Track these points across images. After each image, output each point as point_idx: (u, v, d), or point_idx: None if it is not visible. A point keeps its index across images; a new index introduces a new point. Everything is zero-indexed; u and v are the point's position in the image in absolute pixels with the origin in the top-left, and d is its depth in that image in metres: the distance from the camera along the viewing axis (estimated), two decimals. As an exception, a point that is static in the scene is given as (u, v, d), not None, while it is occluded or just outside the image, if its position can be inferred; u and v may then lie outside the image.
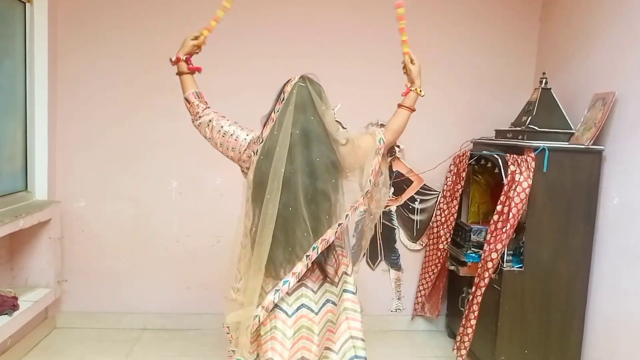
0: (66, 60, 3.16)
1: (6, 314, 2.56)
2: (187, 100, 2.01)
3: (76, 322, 3.29)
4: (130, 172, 3.26)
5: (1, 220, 2.47)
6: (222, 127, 1.92)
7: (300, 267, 1.80)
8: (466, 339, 2.75)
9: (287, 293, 1.84)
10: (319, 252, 1.80)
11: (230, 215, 3.26)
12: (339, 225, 1.84)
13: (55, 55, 3.10)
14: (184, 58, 2.04)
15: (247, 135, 1.92)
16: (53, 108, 3.11)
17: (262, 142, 1.84)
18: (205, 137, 1.97)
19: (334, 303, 1.91)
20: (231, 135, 1.91)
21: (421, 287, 3.38)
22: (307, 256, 1.80)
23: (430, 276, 3.30)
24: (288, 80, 1.90)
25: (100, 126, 3.23)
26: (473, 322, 2.68)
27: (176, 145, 3.26)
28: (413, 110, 2.04)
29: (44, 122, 3.05)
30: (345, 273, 1.93)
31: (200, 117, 1.96)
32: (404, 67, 2.07)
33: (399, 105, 2.04)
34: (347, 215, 1.85)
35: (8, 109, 2.89)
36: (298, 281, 1.84)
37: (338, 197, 1.87)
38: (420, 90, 2.06)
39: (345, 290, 1.91)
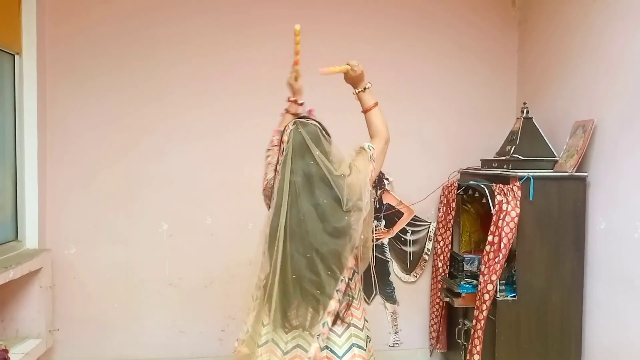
0: (55, 107, 3.19)
1: (-4, 367, 2.52)
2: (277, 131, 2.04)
3: (69, 372, 3.23)
4: (121, 215, 3.26)
5: (-10, 272, 2.46)
6: (268, 163, 2.02)
7: (333, 304, 1.78)
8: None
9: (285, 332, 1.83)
10: (346, 282, 1.81)
11: (221, 255, 3.30)
12: (356, 247, 1.84)
13: (44, 102, 3.14)
14: (294, 99, 2.14)
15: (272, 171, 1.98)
16: (42, 155, 3.13)
17: (273, 198, 1.86)
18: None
19: (330, 349, 1.83)
20: (265, 172, 2.03)
21: (432, 322, 3.34)
22: (338, 290, 1.78)
23: (438, 310, 3.27)
24: (284, 129, 1.91)
25: (89, 170, 3.24)
26: (477, 357, 2.65)
27: (166, 187, 3.28)
28: (377, 104, 2.04)
29: (33, 170, 3.06)
30: (354, 325, 1.86)
31: (268, 149, 2.05)
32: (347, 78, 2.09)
33: (366, 111, 2.05)
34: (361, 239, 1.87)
35: (-3, 159, 2.90)
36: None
37: (357, 230, 1.85)
38: (367, 85, 2.07)
39: (354, 345, 1.84)
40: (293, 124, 1.89)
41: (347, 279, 1.81)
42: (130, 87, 3.24)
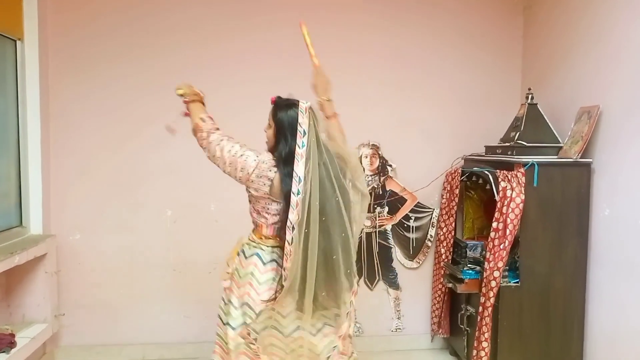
0: (58, 94, 3.18)
1: (4, 352, 2.54)
2: (201, 119, 2.10)
3: (75, 356, 3.26)
4: (125, 202, 3.27)
5: (-4, 258, 2.47)
6: (232, 146, 2.00)
7: (355, 284, 1.97)
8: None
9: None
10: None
11: (225, 242, 3.29)
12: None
13: (46, 90, 3.13)
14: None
15: (257, 156, 1.99)
16: (46, 142, 3.13)
17: (300, 181, 1.86)
18: (213, 156, 2.03)
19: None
20: (241, 155, 1.99)
21: (434, 308, 3.36)
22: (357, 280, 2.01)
23: (440, 295, 3.29)
24: (294, 108, 1.96)
25: (93, 158, 3.24)
26: (485, 344, 2.66)
27: (169, 174, 3.28)
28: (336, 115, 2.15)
29: (37, 157, 3.06)
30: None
31: (210, 134, 2.03)
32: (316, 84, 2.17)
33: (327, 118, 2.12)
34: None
35: (1, 146, 2.90)
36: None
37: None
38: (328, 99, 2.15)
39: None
40: (309, 107, 1.95)
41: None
42: (133, 75, 3.23)
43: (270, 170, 1.97)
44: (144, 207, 3.29)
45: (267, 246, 2.05)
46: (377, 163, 3.41)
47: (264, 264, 2.03)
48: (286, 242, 1.88)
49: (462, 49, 3.43)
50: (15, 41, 2.96)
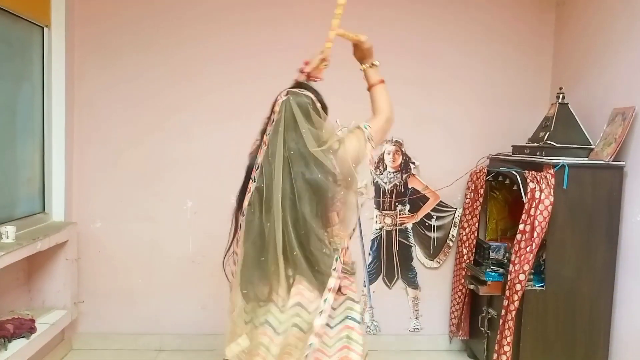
0: (83, 83, 3.20)
1: (24, 336, 2.55)
2: None
3: (92, 344, 3.28)
4: (146, 192, 3.28)
5: (19, 243, 2.48)
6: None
7: (332, 281, 1.73)
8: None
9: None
10: (342, 261, 1.75)
11: (245, 235, 3.30)
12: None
13: (72, 78, 3.15)
14: (307, 71, 2.05)
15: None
16: (70, 130, 3.15)
17: (258, 168, 1.79)
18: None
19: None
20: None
21: (454, 309, 3.31)
22: (334, 269, 1.73)
23: (460, 297, 3.23)
24: (277, 98, 1.86)
25: (116, 147, 3.25)
26: (507, 348, 2.59)
27: (191, 165, 3.27)
28: (382, 81, 2.01)
29: (61, 145, 3.08)
30: (351, 299, 1.82)
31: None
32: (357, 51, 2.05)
33: (370, 87, 2.00)
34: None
35: (26, 132, 2.92)
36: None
37: (344, 210, 1.83)
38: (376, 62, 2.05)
39: (349, 317, 1.79)
40: (285, 94, 1.84)
41: (342, 259, 1.76)
42: (158, 66, 3.22)
43: None
44: (165, 198, 3.29)
45: None
46: (399, 160, 3.36)
47: None
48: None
49: (489, 46, 3.36)
50: (42, 28, 2.97)
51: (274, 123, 1.80)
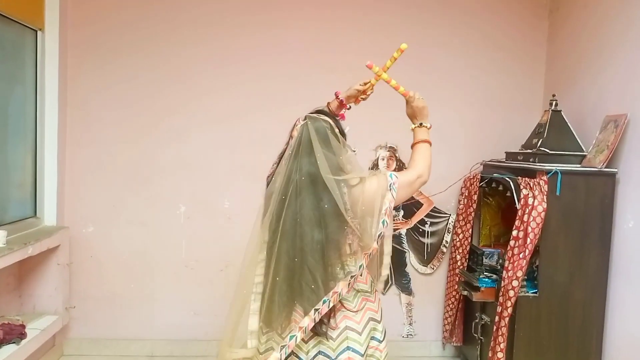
0: (76, 86, 3.18)
1: (14, 342, 2.53)
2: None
3: (83, 349, 3.25)
4: (139, 196, 3.26)
5: (10, 247, 2.46)
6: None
7: (307, 321, 1.65)
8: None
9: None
10: (329, 306, 1.67)
11: (238, 240, 3.25)
12: (352, 277, 1.70)
13: (65, 81, 3.13)
14: (341, 99, 2.01)
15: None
16: (62, 133, 3.13)
17: (275, 192, 1.75)
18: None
19: (326, 355, 1.74)
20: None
21: (447, 315, 3.31)
22: (317, 310, 1.65)
23: (453, 303, 3.23)
24: (295, 123, 1.83)
25: (109, 150, 3.24)
26: (500, 355, 2.59)
27: (184, 170, 3.26)
28: (427, 141, 2.01)
29: (53, 148, 3.06)
30: (352, 329, 1.74)
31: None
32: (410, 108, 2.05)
33: (413, 145, 2.02)
34: (360, 266, 1.72)
35: (18, 136, 2.90)
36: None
37: (348, 245, 1.76)
38: (427, 124, 2.06)
39: (349, 348, 1.72)
40: (304, 119, 1.81)
41: (330, 303, 1.66)
42: (151, 69, 3.22)
43: None
44: (158, 202, 3.27)
45: None
46: (393, 165, 3.36)
47: None
48: None
49: (483, 52, 3.37)
50: (36, 31, 2.95)
51: (291, 147, 1.77)
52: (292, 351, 1.70)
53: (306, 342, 1.73)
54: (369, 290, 1.82)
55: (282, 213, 1.69)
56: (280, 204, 1.71)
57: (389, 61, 2.04)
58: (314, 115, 1.84)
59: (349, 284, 1.70)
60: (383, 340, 1.84)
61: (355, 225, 1.73)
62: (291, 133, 1.83)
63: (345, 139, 1.88)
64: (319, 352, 1.73)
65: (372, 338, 1.81)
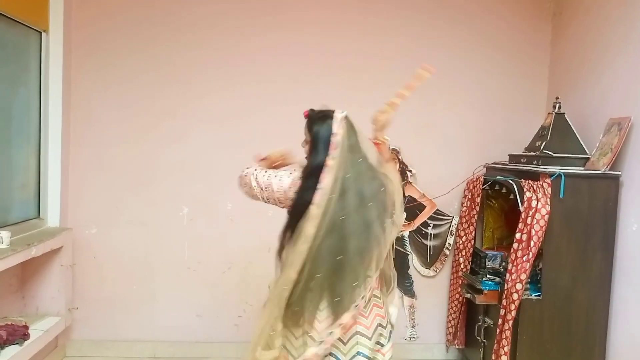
0: (79, 87, 3.19)
1: (17, 343, 2.53)
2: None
3: (86, 351, 3.25)
4: (142, 198, 3.26)
5: (14, 249, 2.46)
6: (265, 172, 1.91)
7: (347, 317, 1.73)
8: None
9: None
10: (365, 302, 1.78)
11: (241, 242, 3.29)
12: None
13: (68, 82, 3.14)
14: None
15: (291, 174, 1.88)
16: (66, 135, 3.14)
17: (325, 194, 1.75)
18: (251, 187, 1.90)
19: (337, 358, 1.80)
20: (275, 176, 1.88)
21: (450, 318, 3.30)
22: (356, 306, 1.75)
23: (456, 305, 3.22)
24: (329, 119, 1.84)
25: (112, 152, 3.24)
26: (504, 358, 2.59)
27: (187, 171, 3.27)
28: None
29: (57, 149, 3.07)
30: (362, 334, 1.80)
31: (247, 168, 1.96)
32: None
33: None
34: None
35: (22, 137, 2.91)
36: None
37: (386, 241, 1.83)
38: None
39: (359, 354, 1.78)
40: (343, 116, 1.84)
41: (365, 298, 1.77)
42: (154, 70, 3.23)
43: None
44: (160, 204, 3.27)
45: None
46: (396, 168, 3.36)
47: None
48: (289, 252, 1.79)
49: (487, 55, 3.37)
50: (40, 33, 2.96)
51: (338, 146, 1.78)
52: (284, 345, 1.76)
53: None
54: (379, 296, 1.88)
55: (331, 210, 1.73)
56: (329, 202, 1.75)
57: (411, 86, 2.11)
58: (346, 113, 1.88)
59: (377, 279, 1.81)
60: (387, 344, 1.86)
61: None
62: (332, 131, 1.81)
63: None
64: (330, 354, 1.77)
65: (377, 342, 1.84)
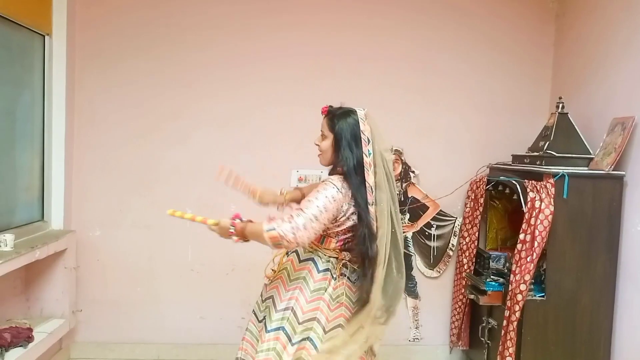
0: (83, 90, 3.20)
1: (21, 346, 2.54)
2: (271, 229, 1.85)
3: (90, 353, 3.26)
4: (145, 200, 3.27)
5: (17, 251, 2.47)
6: (316, 207, 1.80)
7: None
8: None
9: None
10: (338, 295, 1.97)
11: (244, 244, 3.27)
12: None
13: (72, 85, 3.15)
14: None
15: (334, 185, 1.86)
16: (70, 137, 3.15)
17: (373, 190, 1.83)
18: (316, 232, 1.83)
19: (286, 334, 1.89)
20: (327, 200, 1.82)
21: (454, 319, 3.29)
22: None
23: (460, 306, 3.22)
24: (352, 115, 1.89)
25: (115, 154, 3.25)
26: (510, 359, 2.58)
27: (190, 173, 3.27)
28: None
29: (60, 152, 3.07)
30: (318, 321, 1.86)
31: (296, 226, 1.79)
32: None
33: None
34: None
35: (26, 139, 2.92)
36: None
37: None
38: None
39: (309, 339, 1.84)
40: (364, 113, 1.91)
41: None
42: (157, 72, 3.23)
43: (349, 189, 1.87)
44: (163, 205, 3.22)
45: (325, 255, 1.96)
46: (399, 169, 3.36)
47: (318, 271, 1.94)
48: (364, 257, 1.85)
49: (490, 56, 3.37)
50: (43, 36, 2.98)
51: (371, 142, 1.86)
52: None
53: (263, 301, 1.98)
54: (353, 300, 1.95)
55: (393, 203, 1.92)
56: (390, 197, 1.90)
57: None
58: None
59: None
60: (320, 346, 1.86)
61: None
62: (360, 129, 1.86)
63: None
64: (281, 327, 1.85)
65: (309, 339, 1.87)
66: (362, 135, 1.84)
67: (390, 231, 1.87)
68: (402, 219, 3.34)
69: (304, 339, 1.86)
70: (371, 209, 1.83)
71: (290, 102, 3.24)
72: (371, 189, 1.82)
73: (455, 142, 3.38)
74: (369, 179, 1.81)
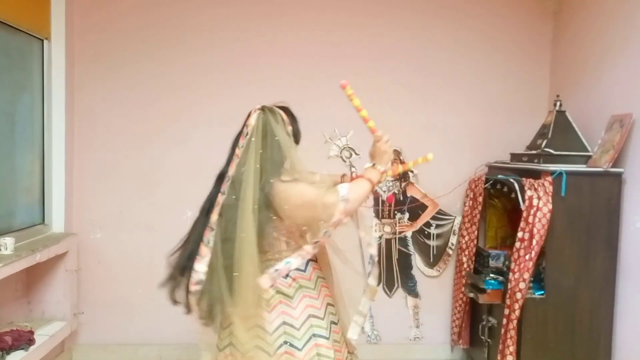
0: (83, 93, 3.22)
1: (22, 348, 2.55)
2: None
3: (92, 355, 3.27)
4: (146, 202, 3.28)
5: (18, 254, 2.48)
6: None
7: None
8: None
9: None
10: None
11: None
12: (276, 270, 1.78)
13: (72, 89, 3.17)
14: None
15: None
16: (70, 140, 3.16)
17: (229, 180, 1.78)
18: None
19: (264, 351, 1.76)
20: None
21: (455, 317, 3.30)
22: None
23: (460, 305, 3.22)
24: (250, 113, 1.86)
25: (115, 157, 3.27)
26: (510, 358, 2.58)
27: (190, 174, 3.28)
28: (372, 182, 1.81)
29: (61, 155, 3.09)
30: (288, 324, 1.77)
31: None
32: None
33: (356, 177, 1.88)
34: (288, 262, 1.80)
35: (26, 143, 2.94)
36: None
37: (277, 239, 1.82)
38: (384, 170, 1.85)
39: (286, 343, 1.75)
40: (260, 108, 1.85)
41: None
42: (156, 75, 3.25)
43: None
44: (165, 208, 3.29)
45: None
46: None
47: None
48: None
49: (488, 54, 3.37)
50: (42, 40, 2.99)
51: (247, 136, 1.81)
52: (231, 342, 1.80)
53: (224, 329, 1.84)
54: (312, 287, 1.83)
55: (245, 199, 1.73)
56: (240, 192, 1.75)
57: (411, 162, 2.05)
58: (270, 106, 1.87)
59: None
60: (329, 337, 1.79)
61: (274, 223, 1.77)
62: (246, 122, 1.84)
63: (299, 141, 1.90)
64: (256, 346, 1.76)
65: (315, 335, 1.77)
66: (243, 128, 1.87)
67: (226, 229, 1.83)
68: (400, 219, 3.37)
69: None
70: (220, 198, 1.86)
71: (290, 103, 3.23)
72: (227, 178, 1.83)
73: (453, 141, 3.38)
74: (230, 168, 1.87)
